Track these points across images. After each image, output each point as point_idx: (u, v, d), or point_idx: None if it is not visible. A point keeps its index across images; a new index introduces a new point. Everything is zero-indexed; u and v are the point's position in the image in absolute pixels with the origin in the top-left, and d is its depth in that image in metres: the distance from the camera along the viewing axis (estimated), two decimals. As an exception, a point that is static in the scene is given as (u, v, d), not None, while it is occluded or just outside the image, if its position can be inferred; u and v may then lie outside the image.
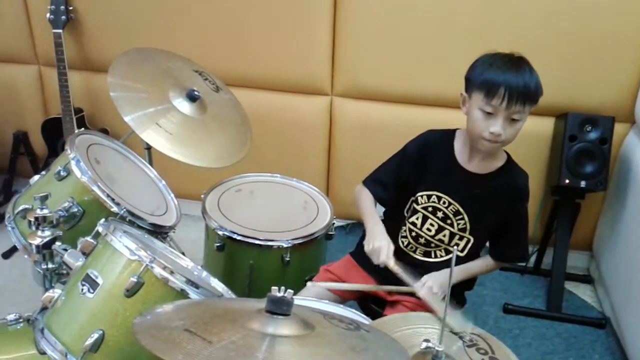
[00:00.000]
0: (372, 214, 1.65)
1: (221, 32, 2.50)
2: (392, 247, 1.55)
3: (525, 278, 2.57)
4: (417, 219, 1.65)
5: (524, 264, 2.57)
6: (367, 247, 1.56)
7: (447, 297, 1.09)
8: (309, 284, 1.69)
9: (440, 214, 1.62)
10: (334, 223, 1.91)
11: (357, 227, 2.71)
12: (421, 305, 1.61)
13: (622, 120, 2.31)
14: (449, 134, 1.64)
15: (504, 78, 1.44)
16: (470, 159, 1.59)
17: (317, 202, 1.99)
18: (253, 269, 1.79)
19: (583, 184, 2.26)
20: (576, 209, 2.41)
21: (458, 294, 1.73)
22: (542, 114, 2.38)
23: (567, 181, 2.27)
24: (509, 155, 1.63)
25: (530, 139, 2.41)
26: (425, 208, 1.63)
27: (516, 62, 1.48)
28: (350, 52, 2.45)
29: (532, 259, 2.58)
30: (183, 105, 1.86)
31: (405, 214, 1.67)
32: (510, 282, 2.53)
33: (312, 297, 1.62)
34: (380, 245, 1.54)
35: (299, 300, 1.51)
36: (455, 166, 1.60)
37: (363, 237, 1.78)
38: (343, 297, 1.72)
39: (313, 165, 2.68)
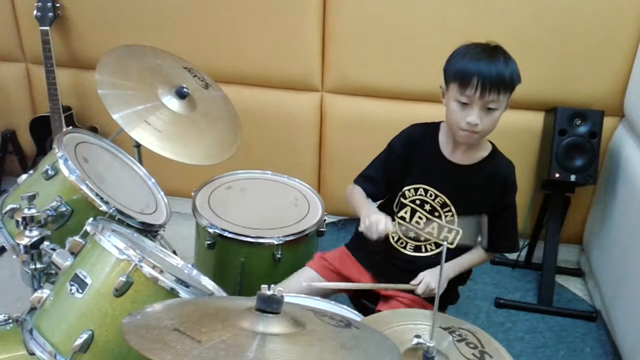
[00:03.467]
0: (363, 201, 1.65)
1: (210, 28, 2.49)
2: (389, 219, 1.51)
3: (516, 272, 2.58)
4: (405, 212, 1.65)
5: (514, 258, 2.58)
6: (363, 224, 1.52)
7: (437, 291, 1.09)
8: (305, 282, 1.69)
9: (427, 207, 1.62)
10: (325, 219, 1.91)
11: (349, 223, 2.71)
12: (415, 301, 1.62)
13: (611, 114, 2.32)
14: (434, 127, 1.65)
15: (477, 67, 1.44)
16: (454, 150, 1.60)
17: (308, 198, 1.99)
18: (244, 267, 1.79)
19: (573, 177, 2.27)
20: (566, 203, 2.42)
21: (452, 289, 1.73)
22: (532, 108, 2.39)
23: (557, 175, 2.27)
24: (494, 146, 1.63)
25: (520, 133, 2.42)
26: (413, 201, 1.63)
27: (490, 51, 1.48)
28: (340, 48, 2.45)
29: (523, 253, 2.59)
30: (172, 103, 1.85)
31: (395, 209, 1.67)
32: (501, 276, 2.54)
33: (303, 282, 1.64)
34: (377, 219, 1.49)
35: (290, 296, 1.51)
36: (440, 158, 1.61)
37: (358, 229, 1.79)
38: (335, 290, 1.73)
39: (304, 162, 2.67)
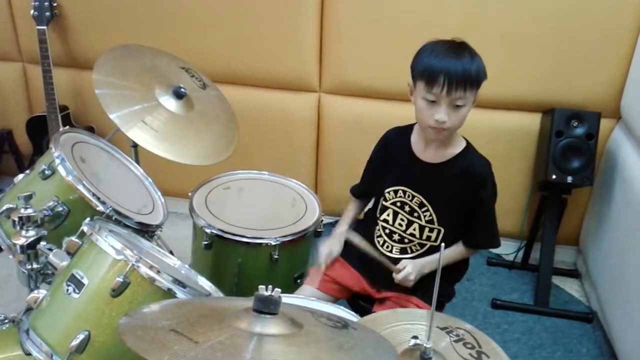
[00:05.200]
0: (341, 222, 1.78)
1: (208, 28, 2.48)
2: (329, 251, 1.70)
3: (513, 273, 2.58)
4: (388, 215, 1.66)
5: (511, 260, 2.58)
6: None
7: (434, 293, 1.09)
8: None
9: (407, 208, 1.63)
10: (322, 220, 1.91)
11: (346, 224, 2.70)
12: (411, 301, 1.62)
13: (608, 115, 2.32)
14: (407, 128, 1.67)
15: (443, 65, 1.44)
16: (425, 149, 1.61)
17: (306, 199, 1.99)
18: (241, 267, 1.78)
19: (570, 179, 2.27)
20: (563, 204, 2.43)
21: (445, 287, 1.73)
22: (529, 109, 2.39)
23: (554, 177, 2.28)
24: (468, 143, 1.63)
25: (517, 134, 2.42)
26: (394, 203, 1.65)
27: (456, 48, 1.48)
28: (338, 49, 2.45)
29: (520, 254, 2.59)
30: (169, 103, 1.85)
31: (377, 214, 1.68)
32: (498, 278, 2.55)
33: (302, 296, 1.63)
34: (321, 250, 1.70)
35: (288, 298, 1.50)
36: (412, 158, 1.62)
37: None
38: (334, 297, 1.73)
39: (301, 162, 2.67)
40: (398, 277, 1.59)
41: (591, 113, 2.27)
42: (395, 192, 1.64)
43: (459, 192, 1.59)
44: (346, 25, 2.40)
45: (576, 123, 2.27)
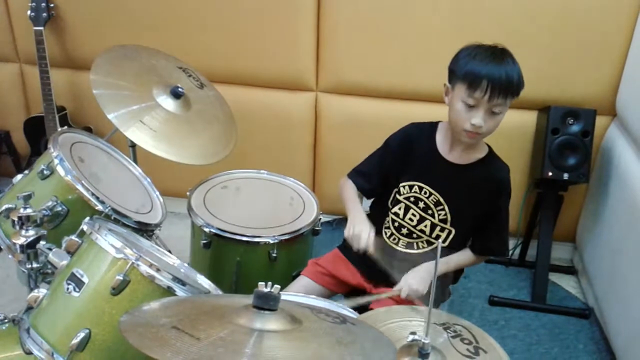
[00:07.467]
0: (354, 202, 1.67)
1: (205, 28, 2.49)
2: (372, 234, 1.55)
3: (510, 270, 2.60)
4: (399, 209, 1.66)
5: (508, 257, 2.59)
6: (348, 232, 1.57)
7: (432, 290, 1.10)
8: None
9: (421, 204, 1.63)
10: (320, 218, 1.91)
11: (344, 223, 2.65)
12: (406, 300, 1.63)
13: (603, 113, 2.34)
14: (431, 126, 1.66)
15: (487, 70, 1.44)
16: (452, 150, 1.61)
17: (304, 197, 2.00)
18: (240, 266, 1.79)
19: (566, 176, 2.29)
20: (559, 201, 2.44)
21: (443, 288, 1.74)
22: (525, 107, 2.40)
23: (550, 174, 2.29)
24: (490, 148, 1.65)
25: (513, 132, 2.43)
26: (407, 198, 1.65)
27: (499, 54, 1.49)
28: (335, 48, 2.45)
29: (517, 251, 2.61)
30: (167, 102, 1.85)
31: (389, 205, 1.69)
32: (495, 275, 2.56)
33: (299, 291, 1.63)
34: (360, 230, 1.54)
35: (286, 295, 1.51)
36: (436, 157, 1.62)
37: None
38: (331, 291, 1.73)
39: (299, 161, 2.68)
40: (402, 295, 1.55)
41: (587, 110, 2.28)
42: (411, 187, 1.64)
43: (480, 195, 1.61)
44: (343, 24, 2.41)
45: (572, 120, 2.28)
